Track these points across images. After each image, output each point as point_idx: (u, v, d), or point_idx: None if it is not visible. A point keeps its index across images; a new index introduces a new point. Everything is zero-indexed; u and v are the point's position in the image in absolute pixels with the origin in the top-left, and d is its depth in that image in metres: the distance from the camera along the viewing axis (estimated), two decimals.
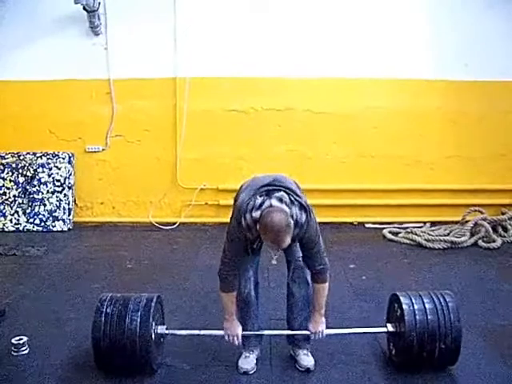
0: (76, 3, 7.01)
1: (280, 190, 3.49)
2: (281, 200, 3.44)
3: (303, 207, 3.53)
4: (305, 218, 3.52)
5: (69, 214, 7.87)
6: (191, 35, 7.72)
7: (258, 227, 3.40)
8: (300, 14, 7.75)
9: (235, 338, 3.85)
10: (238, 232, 3.57)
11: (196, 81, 7.78)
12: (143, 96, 7.90)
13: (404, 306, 3.75)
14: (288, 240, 3.36)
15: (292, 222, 3.39)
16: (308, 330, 3.90)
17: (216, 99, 7.92)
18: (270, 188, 3.51)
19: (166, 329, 3.93)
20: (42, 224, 7.81)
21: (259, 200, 3.47)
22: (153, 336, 3.71)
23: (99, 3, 7.52)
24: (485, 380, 3.70)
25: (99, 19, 7.65)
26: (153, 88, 7.88)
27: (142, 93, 7.89)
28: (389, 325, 3.95)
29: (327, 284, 3.79)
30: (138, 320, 3.64)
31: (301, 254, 3.82)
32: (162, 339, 3.95)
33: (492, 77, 7.82)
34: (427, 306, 3.75)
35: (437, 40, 7.85)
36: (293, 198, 3.51)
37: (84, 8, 7.31)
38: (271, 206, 3.40)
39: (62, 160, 7.87)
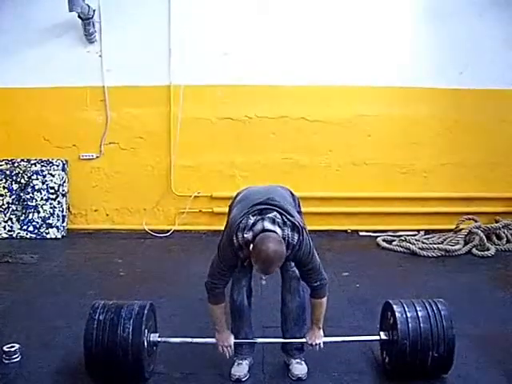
0: (71, 11, 7.01)
1: (273, 210, 3.51)
2: (273, 221, 3.45)
3: (296, 227, 3.53)
4: (297, 238, 3.52)
5: (62, 221, 7.86)
6: (185, 43, 7.74)
7: (249, 248, 3.41)
8: (294, 23, 7.78)
9: (228, 349, 3.85)
10: (229, 249, 3.57)
11: (190, 89, 7.79)
12: (137, 104, 7.91)
13: (397, 314, 3.75)
14: (279, 267, 3.43)
15: (284, 247, 3.40)
16: (305, 341, 3.90)
17: (210, 107, 7.94)
18: (263, 207, 3.53)
19: (159, 336, 3.92)
20: (36, 231, 7.80)
21: (252, 220, 3.48)
22: (145, 344, 3.70)
23: (94, 11, 7.55)
24: None
25: (94, 27, 7.67)
26: (147, 96, 7.88)
27: (137, 100, 7.90)
28: (382, 333, 3.95)
29: (325, 299, 3.80)
30: (131, 328, 3.62)
31: (296, 282, 3.86)
32: (154, 347, 3.93)
33: (486, 85, 7.86)
34: (420, 313, 3.75)
35: (431, 49, 7.90)
36: (285, 219, 3.51)
37: (79, 16, 7.35)
38: (264, 229, 3.40)
39: (56, 167, 7.86)
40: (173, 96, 7.83)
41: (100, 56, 7.84)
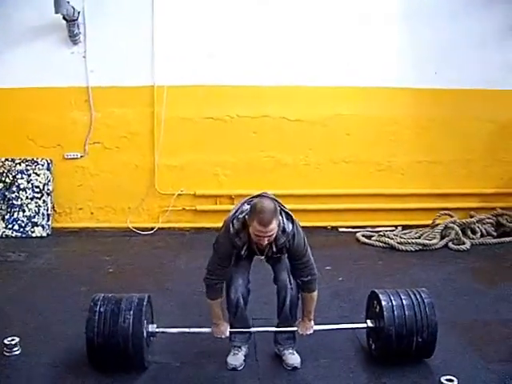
0: (57, 13, 7.10)
1: (268, 199, 3.70)
2: None
3: (290, 217, 3.75)
4: (291, 226, 3.72)
5: (48, 220, 7.94)
6: (169, 44, 7.86)
7: (246, 229, 3.60)
8: (275, 24, 7.94)
9: (223, 336, 4.04)
10: (226, 241, 3.75)
11: (173, 89, 7.89)
12: (121, 104, 8.00)
13: (383, 303, 3.96)
14: (275, 224, 3.54)
15: (277, 211, 3.58)
16: (296, 329, 4.09)
17: (193, 107, 8.06)
18: (258, 197, 3.75)
19: (157, 327, 4.08)
20: (21, 230, 7.87)
21: (246, 207, 3.67)
22: (144, 334, 3.86)
23: (79, 13, 7.63)
24: (459, 370, 3.88)
25: (78, 28, 7.73)
26: (131, 96, 7.97)
27: (121, 100, 7.99)
28: (368, 321, 4.16)
29: (316, 293, 3.99)
30: (131, 318, 3.79)
31: (286, 277, 3.98)
32: (152, 337, 4.10)
33: (460, 85, 8.08)
34: (404, 302, 3.97)
35: (407, 49, 8.10)
36: (280, 208, 3.72)
37: (64, 17, 7.43)
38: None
39: (40, 166, 7.94)
40: (156, 96, 7.93)
41: (84, 57, 7.90)
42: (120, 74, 7.91)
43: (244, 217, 3.66)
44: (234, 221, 3.71)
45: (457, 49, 8.06)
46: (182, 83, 7.92)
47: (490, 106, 8.26)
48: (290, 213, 3.82)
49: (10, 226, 7.88)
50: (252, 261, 4.07)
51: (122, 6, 7.83)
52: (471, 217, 7.90)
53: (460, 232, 7.41)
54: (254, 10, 7.95)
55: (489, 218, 7.84)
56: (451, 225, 7.47)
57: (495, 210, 7.98)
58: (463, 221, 7.65)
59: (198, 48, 7.94)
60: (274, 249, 3.80)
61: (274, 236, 3.63)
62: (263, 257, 3.92)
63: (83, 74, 7.91)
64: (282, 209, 3.75)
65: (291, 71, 8.03)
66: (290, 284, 3.99)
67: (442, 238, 7.42)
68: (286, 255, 3.92)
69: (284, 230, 3.70)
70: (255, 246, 3.79)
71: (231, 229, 3.69)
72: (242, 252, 3.81)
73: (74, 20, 7.56)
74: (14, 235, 7.86)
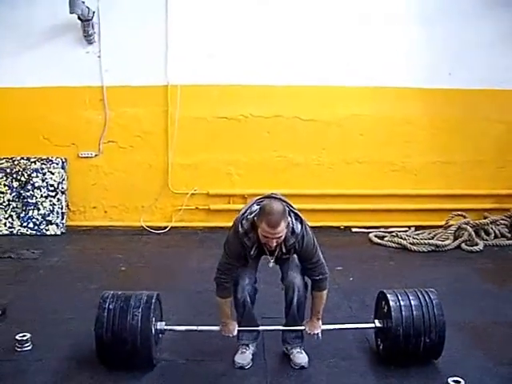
0: (71, 13, 7.16)
1: (277, 200, 3.71)
2: None
3: (299, 218, 3.77)
4: (300, 227, 3.73)
5: (62, 218, 8.01)
6: (183, 44, 7.90)
7: (255, 229, 3.62)
8: (288, 24, 7.95)
9: (231, 335, 4.06)
10: (236, 240, 3.77)
11: (187, 88, 7.95)
12: (135, 103, 8.07)
13: (391, 303, 3.96)
14: (283, 226, 3.54)
15: (287, 211, 3.61)
16: (304, 329, 4.09)
17: (206, 106, 8.09)
18: (267, 198, 3.78)
19: (166, 325, 4.11)
20: (36, 228, 7.94)
21: (256, 207, 3.69)
22: (153, 331, 3.89)
23: (93, 12, 7.70)
24: (467, 371, 3.87)
25: (93, 28, 7.81)
26: (145, 95, 8.03)
27: (135, 100, 8.05)
28: (376, 321, 4.16)
29: (325, 292, 4.00)
30: (140, 316, 3.82)
31: (293, 277, 3.98)
32: (160, 335, 4.13)
33: (473, 85, 8.05)
34: (413, 302, 3.96)
35: (421, 50, 8.08)
36: (289, 209, 3.74)
37: (79, 17, 7.49)
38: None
39: (55, 165, 8.01)
40: (170, 95, 7.98)
41: (99, 56, 7.98)
42: (134, 73, 7.98)
43: (253, 217, 3.68)
44: (243, 221, 3.73)
45: (470, 49, 8.01)
46: (195, 82, 7.97)
47: (503, 106, 8.24)
48: (299, 213, 3.82)
49: (24, 223, 7.95)
50: (259, 260, 4.08)
51: (135, 6, 7.89)
52: (485, 218, 7.87)
53: (473, 233, 7.37)
54: (269, 10, 7.97)
55: (503, 220, 7.79)
56: (464, 226, 7.44)
57: (509, 211, 7.92)
58: (477, 222, 7.62)
59: (212, 47, 7.98)
60: (284, 250, 3.80)
61: (282, 238, 3.63)
62: (273, 259, 3.90)
63: (98, 74, 7.98)
64: (290, 209, 3.77)
65: (305, 71, 8.05)
66: (298, 284, 3.98)
67: (455, 238, 7.39)
68: (296, 255, 3.93)
69: (293, 231, 3.71)
70: (265, 247, 3.79)
71: (240, 228, 3.71)
72: (252, 252, 3.81)
73: (88, 20, 7.63)
74: (28, 233, 7.93)
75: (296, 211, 3.81)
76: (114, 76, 7.98)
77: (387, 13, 8.02)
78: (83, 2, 7.36)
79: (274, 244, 3.64)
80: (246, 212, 3.78)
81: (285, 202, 3.79)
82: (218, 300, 4.01)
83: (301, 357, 4.09)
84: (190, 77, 7.95)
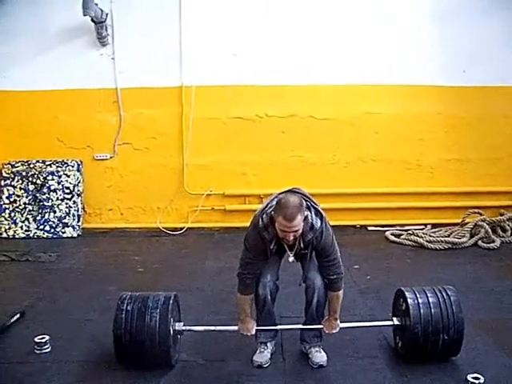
0: (85, 15, 7.19)
1: (295, 194, 3.71)
2: None
3: (319, 213, 3.76)
4: (320, 223, 3.73)
5: (78, 221, 8.05)
6: (196, 45, 7.92)
7: (274, 224, 3.61)
8: (302, 23, 7.95)
9: (249, 334, 4.05)
10: (255, 234, 3.77)
11: (201, 89, 7.97)
12: (150, 104, 8.09)
13: (409, 301, 3.95)
14: (299, 220, 3.54)
15: (304, 205, 3.60)
16: (322, 327, 4.08)
17: (221, 107, 8.12)
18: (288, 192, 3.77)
19: (184, 325, 4.11)
20: (52, 230, 7.98)
21: (275, 202, 3.69)
22: (171, 332, 3.90)
23: (107, 14, 7.74)
24: (485, 368, 3.86)
25: (107, 30, 7.85)
26: (159, 96, 8.06)
27: (149, 101, 8.08)
28: (395, 318, 4.15)
29: (341, 292, 3.99)
30: (158, 317, 3.82)
31: (314, 276, 3.98)
32: (178, 336, 4.13)
33: (489, 82, 8.03)
34: (431, 299, 3.95)
35: (436, 47, 8.06)
36: (309, 204, 3.73)
37: (92, 19, 7.52)
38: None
39: (71, 168, 8.06)
40: (184, 97, 8.01)
41: (113, 58, 8.02)
42: (148, 74, 8.01)
43: (271, 212, 3.68)
44: (264, 215, 3.74)
45: (485, 47, 7.99)
46: (210, 83, 7.99)
47: None
48: (321, 209, 3.81)
49: (41, 226, 7.99)
50: (282, 257, 4.08)
51: (149, 7, 7.92)
52: (501, 215, 7.84)
53: (490, 230, 7.34)
54: (282, 10, 7.98)
55: None
56: (481, 223, 7.40)
57: None
58: (493, 219, 7.58)
59: (226, 48, 8.01)
60: (302, 245, 3.80)
61: (299, 232, 3.62)
62: (292, 254, 3.89)
63: (112, 76, 8.02)
64: (311, 205, 3.77)
65: (319, 70, 8.06)
66: (318, 284, 3.98)
67: (472, 236, 7.36)
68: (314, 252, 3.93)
69: (312, 227, 3.70)
70: (283, 242, 3.78)
71: (260, 223, 3.72)
72: (272, 246, 3.80)
73: (102, 22, 7.65)
74: (45, 236, 7.98)
75: (317, 207, 3.79)
76: (128, 78, 8.01)
77: (401, 11, 8.02)
78: (96, 4, 7.37)
79: (292, 238, 3.62)
80: (266, 206, 3.79)
81: (306, 196, 3.80)
82: (239, 296, 4.01)
83: (319, 356, 4.08)
84: (205, 77, 7.97)
